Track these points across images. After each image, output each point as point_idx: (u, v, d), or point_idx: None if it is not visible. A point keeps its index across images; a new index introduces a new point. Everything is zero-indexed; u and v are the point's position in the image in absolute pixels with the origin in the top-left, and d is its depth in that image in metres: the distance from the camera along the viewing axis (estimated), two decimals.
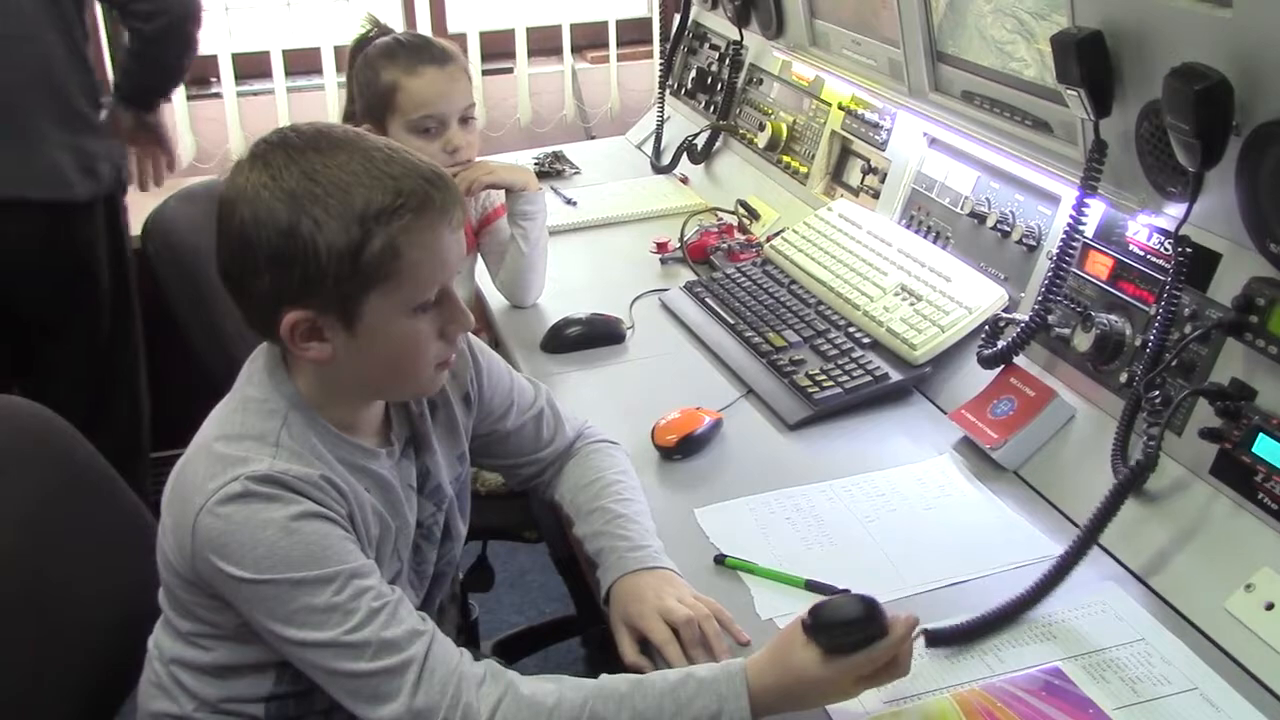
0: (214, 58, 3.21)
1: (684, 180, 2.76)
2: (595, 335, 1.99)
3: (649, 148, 2.94)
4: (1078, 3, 1.45)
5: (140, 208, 3.09)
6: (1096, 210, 1.58)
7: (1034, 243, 1.75)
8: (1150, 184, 1.45)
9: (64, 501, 1.40)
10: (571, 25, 3.49)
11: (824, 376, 1.75)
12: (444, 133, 1.99)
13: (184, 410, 1.29)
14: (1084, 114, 1.47)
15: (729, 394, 1.80)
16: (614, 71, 3.56)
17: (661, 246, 2.33)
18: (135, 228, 2.93)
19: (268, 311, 1.18)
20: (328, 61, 3.26)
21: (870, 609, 1.13)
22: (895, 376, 1.74)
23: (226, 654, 1.24)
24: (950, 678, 1.20)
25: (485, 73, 3.43)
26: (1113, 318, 1.52)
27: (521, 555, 2.83)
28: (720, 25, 2.91)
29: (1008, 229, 1.80)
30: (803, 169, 2.43)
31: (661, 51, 3.22)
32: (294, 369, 1.24)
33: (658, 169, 2.84)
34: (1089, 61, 1.42)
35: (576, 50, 3.56)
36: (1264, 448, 1.27)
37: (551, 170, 2.85)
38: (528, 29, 3.43)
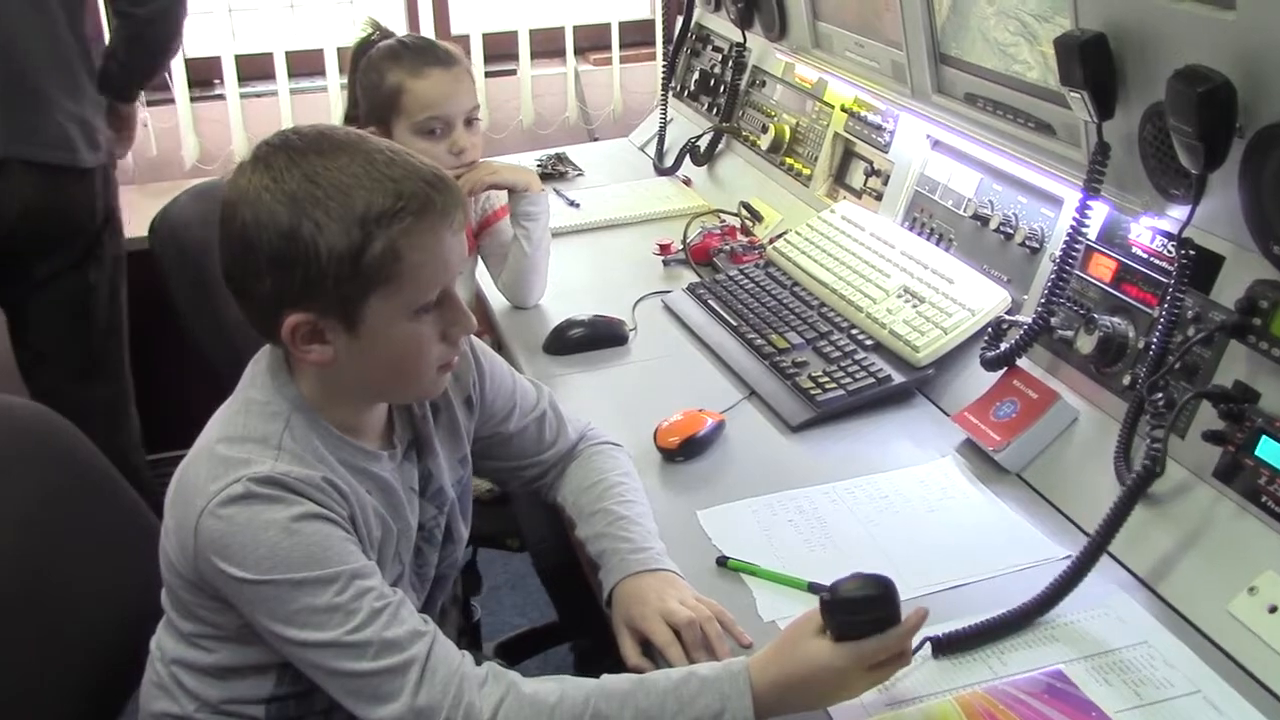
0: (217, 59, 3.22)
1: (687, 182, 2.76)
2: (598, 337, 1.99)
3: (652, 149, 2.94)
4: (1081, 5, 1.45)
5: (149, 206, 3.12)
6: (1099, 212, 1.57)
7: (1037, 245, 1.75)
8: (1153, 186, 1.45)
9: (65, 502, 1.40)
10: (574, 27, 3.50)
11: (826, 378, 1.75)
12: (449, 134, 1.99)
13: (187, 409, 1.29)
14: (1087, 116, 1.47)
15: (731, 396, 1.80)
16: (617, 73, 3.57)
17: (664, 248, 2.33)
18: (142, 226, 2.96)
19: (269, 314, 1.18)
20: (331, 63, 3.26)
21: (888, 588, 1.13)
22: (898, 378, 1.74)
23: (228, 655, 1.24)
24: (952, 680, 1.20)
25: (488, 74, 3.44)
26: (1116, 320, 1.52)
27: (521, 558, 2.82)
28: (723, 27, 2.91)
29: (1010, 231, 1.80)
30: (805, 171, 2.43)
31: (664, 53, 3.22)
32: (296, 371, 1.24)
33: (660, 171, 2.84)
34: (1092, 64, 1.42)
35: (579, 52, 3.56)
36: (1267, 450, 1.27)
37: (554, 172, 2.85)
38: (531, 31, 3.43)
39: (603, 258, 2.39)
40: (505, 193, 2.11)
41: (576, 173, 2.87)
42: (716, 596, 1.33)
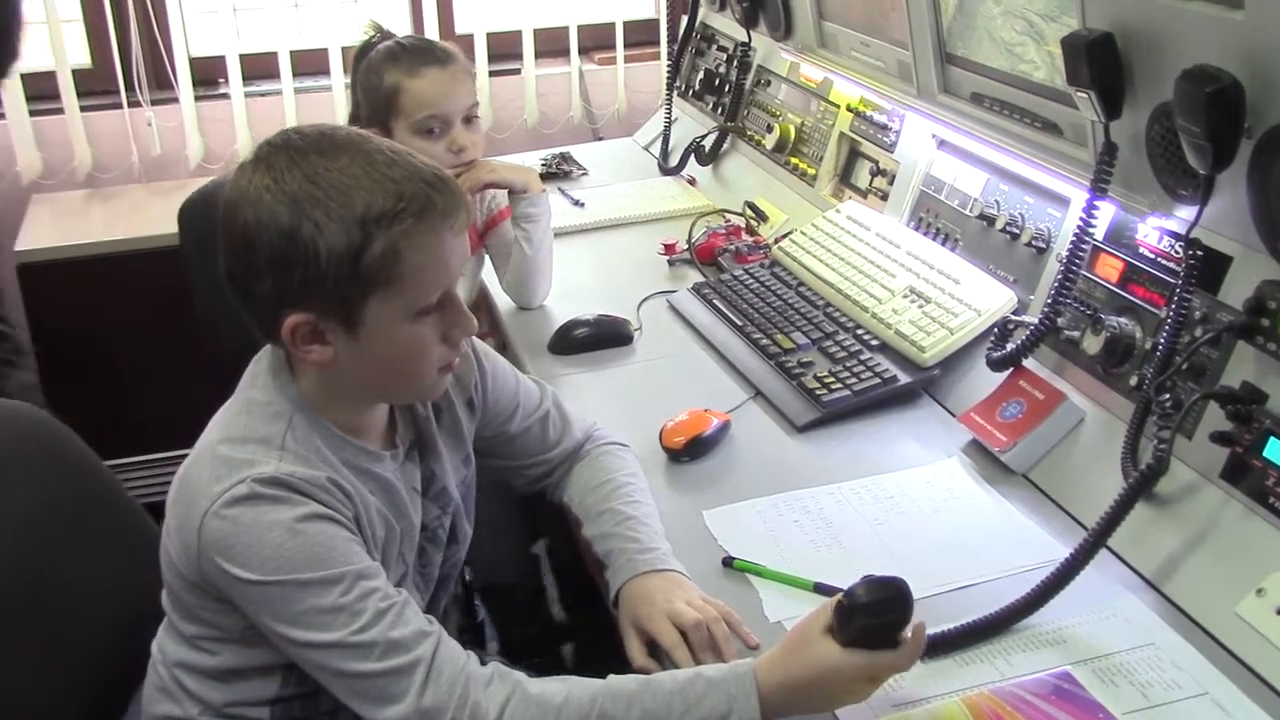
0: (221, 59, 3.22)
1: (691, 182, 2.75)
2: (603, 337, 1.99)
3: (656, 149, 2.94)
4: (1088, 4, 1.45)
5: (154, 205, 3.12)
6: (1106, 213, 1.57)
7: (1043, 245, 1.74)
8: (1161, 186, 1.44)
9: (64, 504, 1.40)
10: (579, 26, 3.50)
11: (832, 379, 1.74)
12: (448, 133, 1.99)
13: (187, 409, 1.29)
14: (1094, 116, 1.46)
15: (737, 396, 1.80)
16: (621, 73, 3.56)
17: (669, 248, 2.32)
18: (145, 225, 2.96)
19: (270, 314, 1.18)
20: (335, 62, 3.26)
21: (903, 591, 1.13)
22: (904, 379, 1.74)
23: (231, 657, 1.24)
24: (959, 682, 1.20)
25: (492, 74, 3.44)
26: (1123, 320, 1.51)
27: None
28: (728, 27, 2.91)
29: (1017, 231, 1.80)
30: (811, 171, 2.43)
31: (669, 53, 3.22)
32: (298, 371, 1.24)
33: (665, 170, 2.84)
34: (1099, 63, 1.42)
35: (584, 51, 3.56)
36: (1275, 451, 1.27)
37: (559, 171, 2.85)
38: (535, 30, 3.43)
39: (607, 257, 2.39)
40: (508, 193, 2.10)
41: (581, 172, 2.87)
42: (722, 597, 1.32)
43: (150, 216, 3.05)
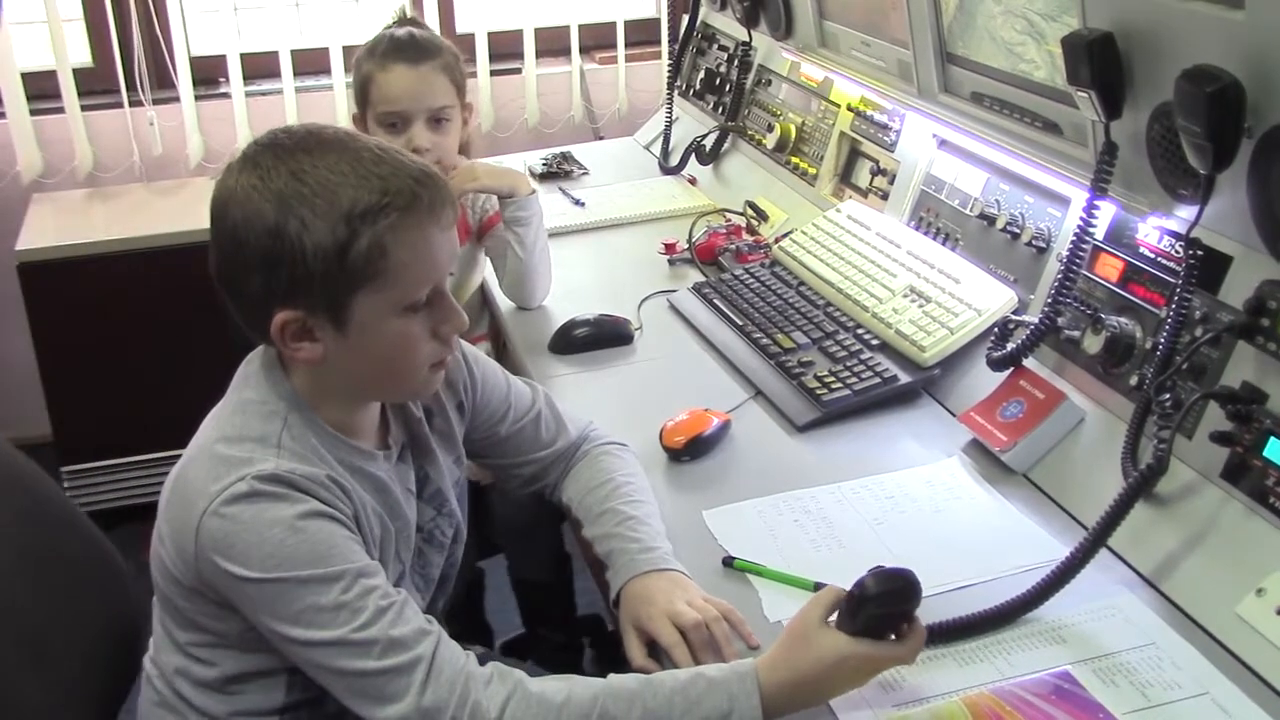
0: (222, 58, 3.23)
1: (692, 181, 2.75)
2: (603, 336, 1.99)
3: (657, 148, 2.94)
4: (1089, 4, 1.45)
5: (155, 205, 3.12)
6: (1107, 212, 1.57)
7: (1044, 245, 1.74)
8: (1161, 186, 1.44)
9: (28, 536, 1.38)
10: (580, 26, 3.50)
11: (832, 378, 1.74)
12: (406, 130, 2.00)
13: (194, 408, 1.28)
14: (1094, 116, 1.46)
15: (737, 395, 1.80)
16: (622, 72, 3.57)
17: (669, 247, 2.32)
18: (147, 224, 2.96)
19: (259, 312, 1.18)
20: (336, 62, 3.27)
21: (912, 581, 1.14)
22: (904, 378, 1.74)
23: (232, 664, 1.23)
24: (959, 681, 1.20)
25: (493, 73, 3.44)
26: (1123, 320, 1.51)
27: None
28: (729, 26, 2.91)
29: (1017, 231, 1.80)
30: (811, 170, 2.43)
31: (670, 52, 3.22)
32: (290, 370, 1.24)
33: (666, 170, 2.83)
34: (1100, 63, 1.41)
35: (585, 51, 3.56)
36: (1275, 451, 1.27)
37: (559, 171, 2.85)
38: (536, 29, 3.44)
39: (608, 257, 2.39)
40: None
41: (582, 172, 2.87)
42: (722, 596, 1.32)
43: (151, 216, 3.06)
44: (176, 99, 3.22)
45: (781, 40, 2.56)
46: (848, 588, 1.16)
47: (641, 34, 3.63)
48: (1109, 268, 1.57)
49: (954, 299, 1.79)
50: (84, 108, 3.16)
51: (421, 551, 1.38)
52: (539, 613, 2.03)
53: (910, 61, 1.98)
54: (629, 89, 3.58)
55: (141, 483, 3.05)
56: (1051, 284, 1.60)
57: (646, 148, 3.06)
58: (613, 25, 3.53)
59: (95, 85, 3.22)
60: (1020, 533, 1.44)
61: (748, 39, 2.75)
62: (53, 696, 1.30)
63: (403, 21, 2.09)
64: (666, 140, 2.91)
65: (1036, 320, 1.60)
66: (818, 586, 1.33)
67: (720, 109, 2.86)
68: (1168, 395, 1.37)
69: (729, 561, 1.40)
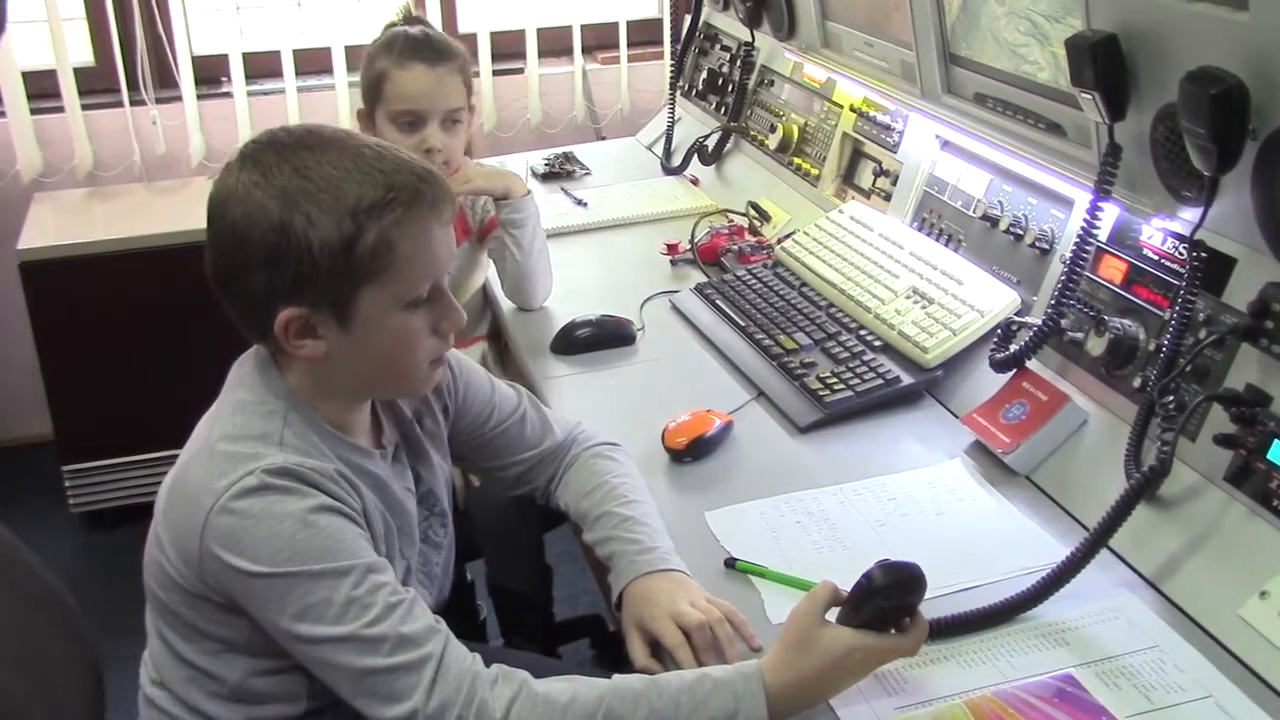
0: (224, 57, 3.23)
1: (694, 181, 2.75)
2: (605, 337, 1.98)
3: (659, 149, 2.94)
4: (1093, 5, 1.44)
5: (157, 204, 3.12)
6: (1110, 214, 1.57)
7: (1047, 246, 1.74)
8: (1165, 188, 1.44)
9: None
10: (582, 26, 3.50)
11: (835, 379, 1.74)
12: (420, 130, 2.00)
13: (194, 407, 1.28)
14: (1098, 117, 1.46)
15: (739, 396, 1.80)
16: (624, 72, 3.56)
17: (672, 248, 2.32)
18: (149, 224, 2.96)
19: (261, 310, 1.18)
20: (338, 61, 3.27)
21: (918, 574, 1.15)
22: (906, 380, 1.74)
23: (245, 670, 1.21)
24: (961, 683, 1.20)
25: (496, 73, 3.44)
26: (1126, 322, 1.51)
27: None
28: (731, 26, 2.91)
29: (1020, 232, 1.80)
30: (814, 171, 2.43)
31: (672, 52, 3.23)
32: (285, 367, 1.24)
33: (668, 170, 2.83)
34: (1104, 64, 1.41)
35: (587, 51, 3.56)
36: (1279, 454, 1.26)
37: (562, 171, 2.85)
38: (538, 29, 3.44)
39: (610, 257, 2.39)
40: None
41: (584, 172, 2.87)
42: (724, 598, 1.32)
43: (152, 215, 3.06)
44: (178, 98, 3.22)
45: (784, 41, 2.56)
46: (837, 584, 1.18)
47: (644, 34, 3.63)
48: (1112, 269, 1.57)
49: (957, 300, 1.79)
50: (85, 107, 3.16)
51: (423, 551, 1.38)
52: (516, 624, 2.03)
53: (913, 62, 1.97)
54: (631, 89, 3.58)
55: (142, 482, 3.05)
56: (1055, 285, 1.60)
57: (649, 148, 3.06)
58: (615, 25, 3.52)
59: (97, 84, 3.22)
60: (1023, 535, 1.44)
61: (750, 39, 2.75)
62: None
63: (409, 20, 2.09)
64: (669, 140, 2.91)
65: (1039, 322, 1.60)
66: None
67: (723, 109, 2.86)
68: (1171, 397, 1.37)
69: (731, 563, 1.40)
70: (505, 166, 2.49)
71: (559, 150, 2.96)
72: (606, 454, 1.54)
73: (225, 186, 1.17)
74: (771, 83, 2.69)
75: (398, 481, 1.32)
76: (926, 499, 1.52)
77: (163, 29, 3.19)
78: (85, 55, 3.24)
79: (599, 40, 3.58)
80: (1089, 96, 1.44)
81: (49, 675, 1.29)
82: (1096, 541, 1.30)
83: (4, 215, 3.12)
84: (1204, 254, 1.38)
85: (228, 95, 3.26)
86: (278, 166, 1.15)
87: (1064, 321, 1.59)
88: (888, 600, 1.15)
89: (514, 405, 1.53)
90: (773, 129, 2.57)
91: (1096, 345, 1.52)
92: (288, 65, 3.24)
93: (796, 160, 2.49)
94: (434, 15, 3.37)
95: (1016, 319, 1.69)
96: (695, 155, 2.76)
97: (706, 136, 2.76)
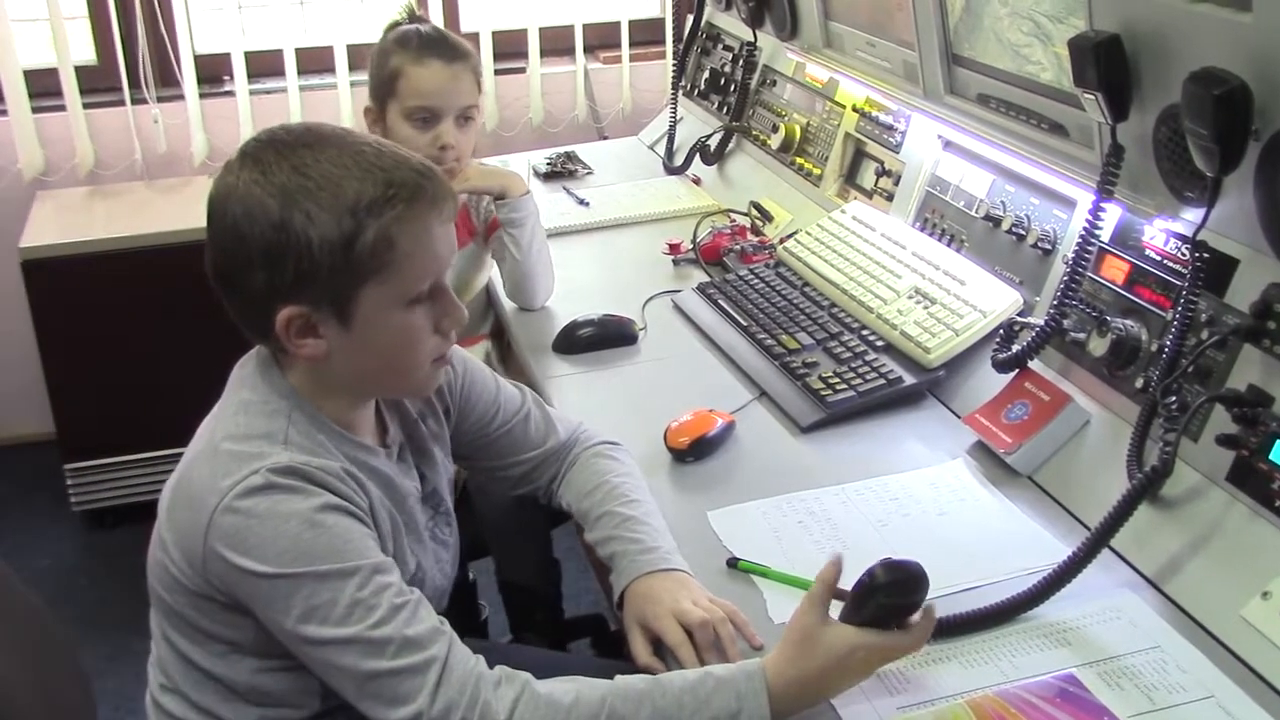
0: (227, 56, 3.23)
1: (696, 181, 2.75)
2: (607, 336, 1.98)
3: (661, 148, 2.94)
4: (1096, 6, 1.44)
5: (158, 203, 3.12)
6: (1113, 214, 1.57)
7: (1049, 246, 1.74)
8: (1167, 188, 1.44)
9: None
10: (584, 25, 3.50)
11: (837, 379, 1.74)
12: (435, 126, 2.00)
13: (196, 406, 1.28)
14: (1101, 118, 1.46)
15: (741, 396, 1.80)
16: (626, 72, 3.56)
17: (674, 248, 2.32)
18: (150, 223, 2.96)
19: (261, 309, 1.17)
20: (340, 60, 3.26)
21: (920, 573, 1.15)
22: (909, 380, 1.74)
23: (254, 670, 1.21)
24: (964, 683, 1.20)
25: (498, 72, 3.44)
26: (1129, 323, 1.51)
27: None
28: (733, 26, 2.91)
29: (1023, 232, 1.80)
30: (816, 171, 2.43)
31: (674, 52, 3.22)
32: (287, 367, 1.24)
33: (670, 170, 2.83)
34: (1106, 65, 1.41)
35: (589, 50, 3.56)
36: None
37: (564, 170, 2.85)
38: (540, 29, 3.43)
39: (612, 257, 2.39)
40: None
41: (586, 171, 2.87)
42: (726, 597, 1.32)
43: (154, 214, 3.06)
44: (181, 97, 3.22)
45: (786, 40, 2.56)
46: (832, 573, 1.18)
47: (646, 34, 3.63)
48: (1115, 270, 1.57)
49: (959, 300, 1.79)
50: (87, 105, 3.16)
51: (434, 550, 1.38)
52: (525, 619, 2.03)
53: (916, 62, 1.97)
54: (633, 89, 3.58)
55: (144, 481, 3.05)
56: (1057, 286, 1.60)
57: (651, 147, 3.06)
58: (617, 25, 3.52)
59: (99, 83, 3.22)
60: (1025, 535, 1.44)
61: (752, 39, 2.75)
62: None
63: (414, 19, 2.09)
64: (671, 140, 2.91)
65: (1042, 322, 1.60)
66: None
67: (725, 109, 2.86)
68: (1173, 398, 1.37)
69: (733, 562, 1.40)
70: (508, 166, 2.49)
71: (561, 150, 2.95)
72: (608, 453, 1.53)
73: (225, 185, 1.17)
74: (774, 82, 2.69)
75: (403, 480, 1.32)
76: (928, 499, 1.52)
77: (165, 27, 3.19)
78: (87, 54, 3.24)
79: (601, 40, 3.58)
80: (1092, 97, 1.44)
81: (36, 690, 1.28)
82: (1099, 541, 1.30)
83: (6, 214, 3.12)
84: (1206, 255, 1.38)
85: (230, 94, 3.26)
86: (277, 164, 1.14)
87: (1066, 322, 1.59)
88: (890, 598, 1.15)
89: (518, 405, 1.52)
90: (775, 129, 2.57)
91: (1099, 346, 1.52)
92: (290, 64, 3.24)
93: (799, 160, 2.49)
94: (436, 14, 3.37)
95: (1019, 319, 1.69)
96: (697, 155, 2.76)
97: (709, 136, 2.76)
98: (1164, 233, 1.50)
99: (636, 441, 1.60)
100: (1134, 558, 1.36)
